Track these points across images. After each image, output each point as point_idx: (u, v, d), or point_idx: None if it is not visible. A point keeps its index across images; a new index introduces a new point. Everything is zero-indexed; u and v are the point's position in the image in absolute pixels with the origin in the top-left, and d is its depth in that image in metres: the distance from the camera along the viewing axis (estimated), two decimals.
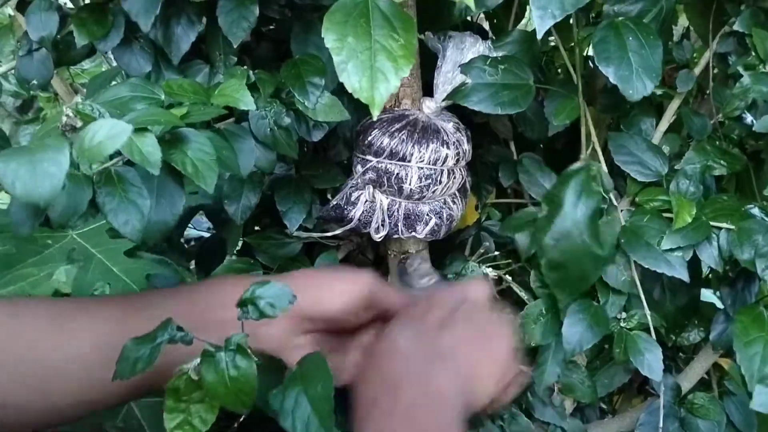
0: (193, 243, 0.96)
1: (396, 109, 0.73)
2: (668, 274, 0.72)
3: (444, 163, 0.70)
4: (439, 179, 0.71)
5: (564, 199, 0.70)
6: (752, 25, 0.77)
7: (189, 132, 0.51)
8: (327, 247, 0.83)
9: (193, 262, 0.94)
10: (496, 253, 0.87)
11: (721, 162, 0.80)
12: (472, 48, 0.70)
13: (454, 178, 0.73)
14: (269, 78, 0.64)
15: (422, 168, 0.70)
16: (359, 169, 0.72)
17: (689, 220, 0.72)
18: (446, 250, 0.89)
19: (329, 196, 0.80)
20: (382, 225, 0.73)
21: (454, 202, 0.75)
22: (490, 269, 0.84)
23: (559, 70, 0.97)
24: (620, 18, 0.65)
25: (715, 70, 0.81)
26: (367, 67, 0.48)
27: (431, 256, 0.84)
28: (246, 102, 0.58)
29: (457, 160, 0.72)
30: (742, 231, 0.72)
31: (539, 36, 0.54)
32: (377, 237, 0.73)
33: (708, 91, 0.84)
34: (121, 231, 0.48)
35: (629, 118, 0.82)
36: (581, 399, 0.85)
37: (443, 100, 0.72)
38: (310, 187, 0.76)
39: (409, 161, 0.69)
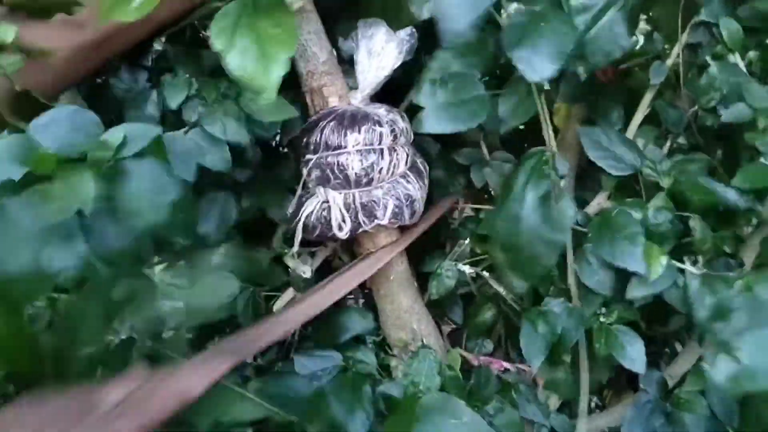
0: None
1: (324, 109, 0.76)
2: (630, 268, 0.73)
3: (381, 141, 0.72)
4: (380, 157, 0.72)
5: (515, 183, 0.70)
6: (720, 14, 0.77)
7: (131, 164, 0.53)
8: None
9: None
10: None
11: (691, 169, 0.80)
12: (379, 32, 0.73)
13: (397, 155, 0.75)
14: (212, 84, 0.68)
15: (361, 150, 0.72)
16: (304, 171, 0.74)
17: (661, 271, 0.72)
18: (426, 249, 0.90)
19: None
20: (343, 221, 0.74)
21: (408, 182, 0.77)
22: (468, 266, 0.85)
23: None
24: (537, 8, 0.64)
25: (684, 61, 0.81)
26: (259, 57, 0.54)
27: (410, 255, 0.85)
28: None
29: (395, 137, 0.74)
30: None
31: (444, 44, 0.56)
32: (342, 234, 0.74)
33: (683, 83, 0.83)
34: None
35: (597, 108, 0.82)
36: (564, 396, 0.85)
37: (369, 89, 0.75)
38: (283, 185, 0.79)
39: (347, 147, 0.71)
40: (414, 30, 0.75)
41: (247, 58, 0.55)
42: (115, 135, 0.54)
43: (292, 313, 0.73)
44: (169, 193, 0.55)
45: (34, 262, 0.50)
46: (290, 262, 0.78)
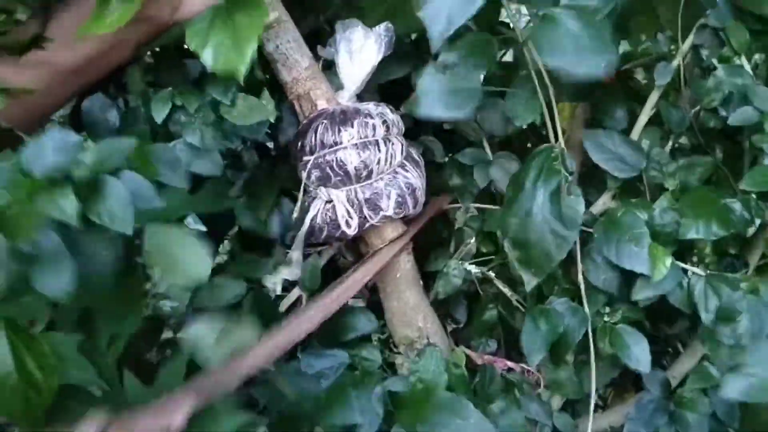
0: None
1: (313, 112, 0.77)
2: (635, 270, 0.74)
3: (375, 132, 0.74)
4: (377, 148, 0.74)
5: (525, 180, 0.71)
6: (727, 18, 0.77)
7: (107, 179, 0.54)
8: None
9: None
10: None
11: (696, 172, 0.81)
12: (356, 31, 0.74)
13: (393, 145, 0.76)
14: (194, 95, 0.70)
15: (356, 144, 0.73)
16: (303, 174, 0.75)
17: (665, 272, 0.73)
18: (431, 248, 0.90)
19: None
20: (350, 217, 0.75)
21: (407, 171, 0.78)
22: (473, 266, 0.85)
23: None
24: (557, 9, 0.63)
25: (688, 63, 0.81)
26: (233, 44, 0.60)
27: (414, 254, 0.85)
28: None
29: (388, 128, 0.76)
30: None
31: (434, 49, 0.58)
32: (350, 231, 0.75)
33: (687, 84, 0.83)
34: (53, 297, 0.50)
35: (601, 108, 0.83)
36: (569, 395, 0.85)
37: (354, 87, 0.76)
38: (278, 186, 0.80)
39: (343, 143, 0.73)
40: (390, 25, 0.77)
41: (222, 49, 0.60)
42: (91, 153, 0.55)
43: (296, 323, 0.72)
44: (150, 203, 0.56)
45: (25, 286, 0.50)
46: (267, 281, 0.80)
